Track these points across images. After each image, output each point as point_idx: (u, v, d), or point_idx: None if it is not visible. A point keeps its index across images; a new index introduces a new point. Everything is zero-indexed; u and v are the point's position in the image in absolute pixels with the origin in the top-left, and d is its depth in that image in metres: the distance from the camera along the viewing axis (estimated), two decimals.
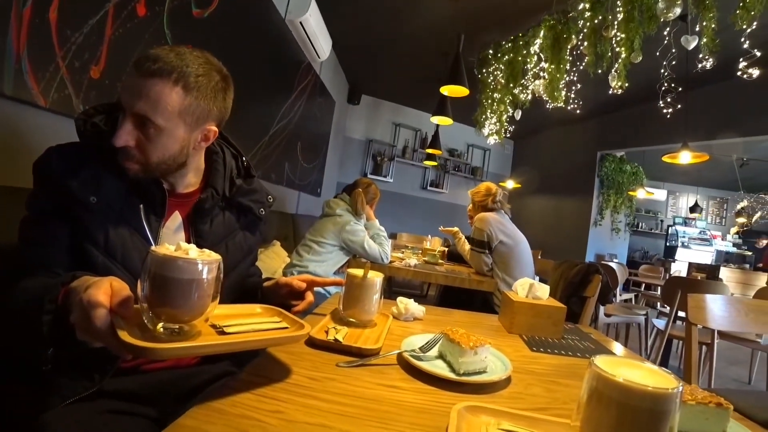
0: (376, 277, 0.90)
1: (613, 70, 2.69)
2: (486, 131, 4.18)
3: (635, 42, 2.49)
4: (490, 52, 3.89)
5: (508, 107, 3.91)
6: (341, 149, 6.22)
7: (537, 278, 2.46)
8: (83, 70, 1.30)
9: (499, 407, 0.53)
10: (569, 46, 3.00)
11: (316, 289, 0.92)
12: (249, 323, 0.63)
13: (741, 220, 7.27)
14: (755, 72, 2.43)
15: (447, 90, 3.23)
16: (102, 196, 0.73)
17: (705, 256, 7.59)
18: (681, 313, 2.54)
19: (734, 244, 7.82)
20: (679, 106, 3.05)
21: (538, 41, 3.23)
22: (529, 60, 3.38)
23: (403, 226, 6.14)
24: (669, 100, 2.97)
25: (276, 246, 2.74)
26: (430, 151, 5.46)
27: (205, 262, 0.54)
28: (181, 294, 0.52)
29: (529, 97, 3.63)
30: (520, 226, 2.48)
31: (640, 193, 5.84)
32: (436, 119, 3.87)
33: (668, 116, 3.07)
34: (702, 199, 8.62)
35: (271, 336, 0.62)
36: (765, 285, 3.81)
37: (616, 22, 2.55)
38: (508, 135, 4.51)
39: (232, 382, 0.55)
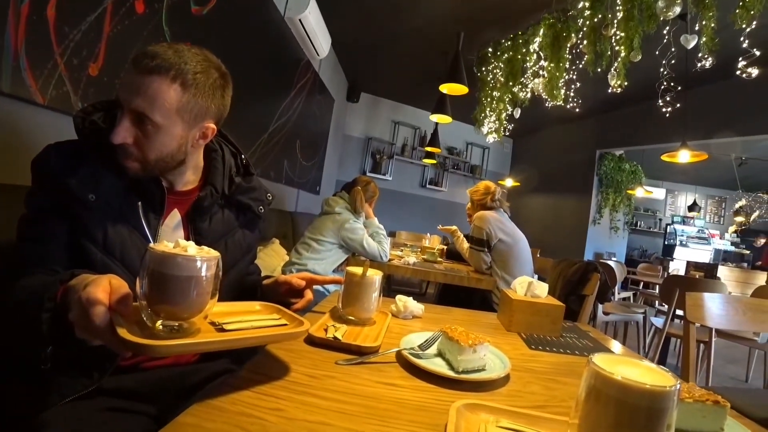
0: (375, 275, 0.90)
1: (612, 69, 2.69)
2: (485, 129, 4.18)
3: (635, 41, 2.49)
4: (490, 50, 3.89)
5: (508, 105, 3.90)
6: (340, 147, 6.21)
7: (536, 276, 2.46)
8: (81, 67, 1.29)
9: (497, 405, 0.53)
10: (569, 45, 3.00)
11: (315, 287, 0.93)
12: (248, 320, 0.63)
13: (739, 219, 7.28)
14: (754, 71, 2.43)
15: (446, 88, 3.23)
16: (101, 194, 0.73)
17: (703, 254, 7.62)
18: (679, 312, 2.55)
19: (732, 243, 7.84)
20: (678, 105, 3.05)
21: (538, 39, 3.22)
22: (528, 58, 3.38)
23: (402, 224, 6.14)
24: (668, 99, 2.97)
25: (275, 244, 2.74)
26: (429, 149, 5.46)
27: (204, 259, 0.54)
28: (180, 291, 0.52)
29: (529, 95, 3.63)
30: (519, 225, 2.49)
31: (639, 192, 5.85)
32: (436, 117, 3.87)
33: (667, 115, 3.07)
34: (700, 197, 8.64)
35: (271, 333, 0.62)
36: (763, 284, 3.83)
37: (615, 21, 2.55)
38: (508, 133, 4.51)
39: (232, 379, 0.55)
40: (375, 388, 0.59)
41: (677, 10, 2.09)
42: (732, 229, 7.68)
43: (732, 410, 0.57)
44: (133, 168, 0.74)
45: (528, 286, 1.10)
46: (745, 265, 6.95)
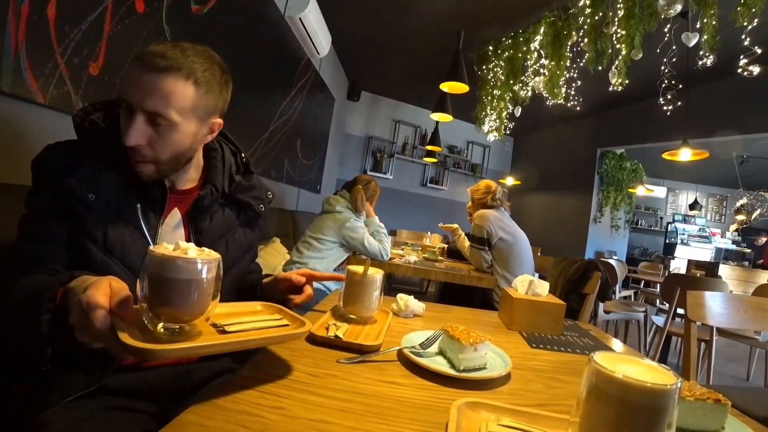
0: (376, 274, 0.90)
1: (613, 67, 2.68)
2: (486, 128, 4.18)
3: (636, 39, 2.48)
4: (490, 48, 3.88)
5: (508, 104, 3.90)
6: (341, 146, 6.21)
7: (537, 275, 2.46)
8: (82, 66, 1.29)
9: (498, 403, 0.53)
10: (569, 43, 2.99)
11: (316, 285, 0.93)
12: (249, 321, 0.63)
13: (740, 217, 7.27)
14: (755, 69, 2.42)
15: (447, 86, 3.23)
16: (101, 194, 0.73)
17: (704, 253, 7.61)
18: (680, 310, 2.54)
19: (734, 242, 7.82)
20: (679, 103, 3.04)
21: (539, 38, 3.22)
22: (529, 56, 3.37)
23: (402, 222, 6.14)
24: (669, 97, 2.96)
25: (276, 243, 2.75)
26: (429, 147, 5.45)
27: (205, 261, 0.53)
28: (181, 294, 0.52)
29: (529, 93, 3.63)
30: (519, 223, 2.49)
31: (640, 190, 5.84)
32: (436, 116, 3.87)
33: (668, 113, 3.07)
34: (701, 196, 8.62)
35: (273, 334, 0.62)
36: (764, 282, 3.82)
37: (616, 19, 2.54)
38: (508, 132, 4.51)
39: (233, 378, 0.55)
40: (376, 387, 0.59)
41: (678, 7, 2.09)
42: (733, 227, 7.67)
43: (733, 409, 0.57)
44: (148, 171, 0.74)
45: (529, 285, 1.10)
46: (747, 263, 6.94)
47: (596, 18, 2.70)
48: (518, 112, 3.94)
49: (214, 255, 0.56)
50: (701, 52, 2.33)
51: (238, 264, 0.92)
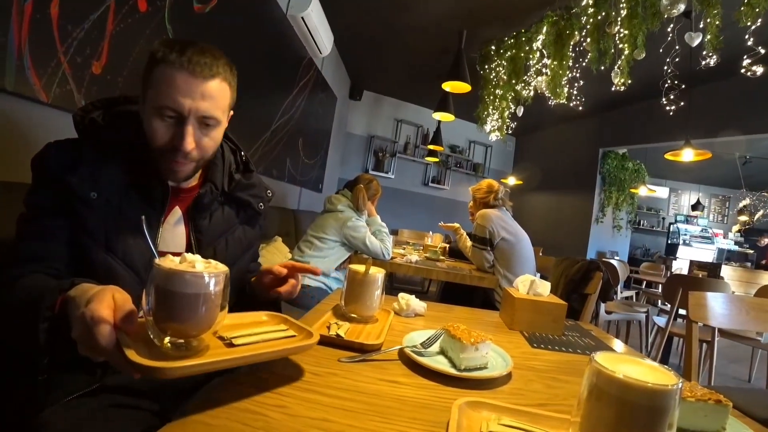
0: (378, 273, 0.90)
1: (615, 67, 2.68)
2: (488, 128, 4.17)
3: (638, 39, 2.48)
4: (492, 48, 3.87)
5: (510, 103, 3.89)
6: (343, 145, 6.21)
7: (538, 275, 2.46)
8: (85, 65, 1.30)
9: (499, 403, 0.53)
10: (572, 43, 2.99)
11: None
12: (256, 333, 0.62)
13: (743, 218, 7.25)
14: (759, 69, 2.41)
15: (449, 86, 3.22)
16: (102, 192, 0.73)
17: (706, 254, 7.58)
18: (682, 311, 2.54)
19: (736, 243, 7.79)
20: (682, 103, 3.03)
21: (541, 37, 3.21)
22: (531, 56, 3.37)
23: (404, 222, 6.14)
24: (672, 97, 2.95)
25: (277, 242, 2.75)
26: (431, 147, 5.45)
27: (212, 274, 0.52)
28: (189, 309, 0.51)
29: (532, 93, 3.62)
30: (521, 223, 2.48)
31: (642, 191, 5.83)
32: (438, 115, 3.87)
33: (671, 113, 3.06)
34: (704, 196, 8.60)
35: (281, 347, 0.60)
36: (767, 283, 3.81)
37: (619, 19, 2.54)
38: (510, 131, 4.50)
39: (235, 376, 0.56)
40: (377, 386, 0.59)
41: (681, 7, 2.08)
42: (736, 228, 7.65)
43: (734, 410, 0.57)
44: (188, 170, 0.79)
45: (530, 285, 1.10)
46: (749, 264, 6.92)
47: (599, 17, 2.69)
48: (520, 111, 3.94)
49: (222, 267, 0.55)
50: (704, 52, 2.33)
51: (237, 262, 0.92)
